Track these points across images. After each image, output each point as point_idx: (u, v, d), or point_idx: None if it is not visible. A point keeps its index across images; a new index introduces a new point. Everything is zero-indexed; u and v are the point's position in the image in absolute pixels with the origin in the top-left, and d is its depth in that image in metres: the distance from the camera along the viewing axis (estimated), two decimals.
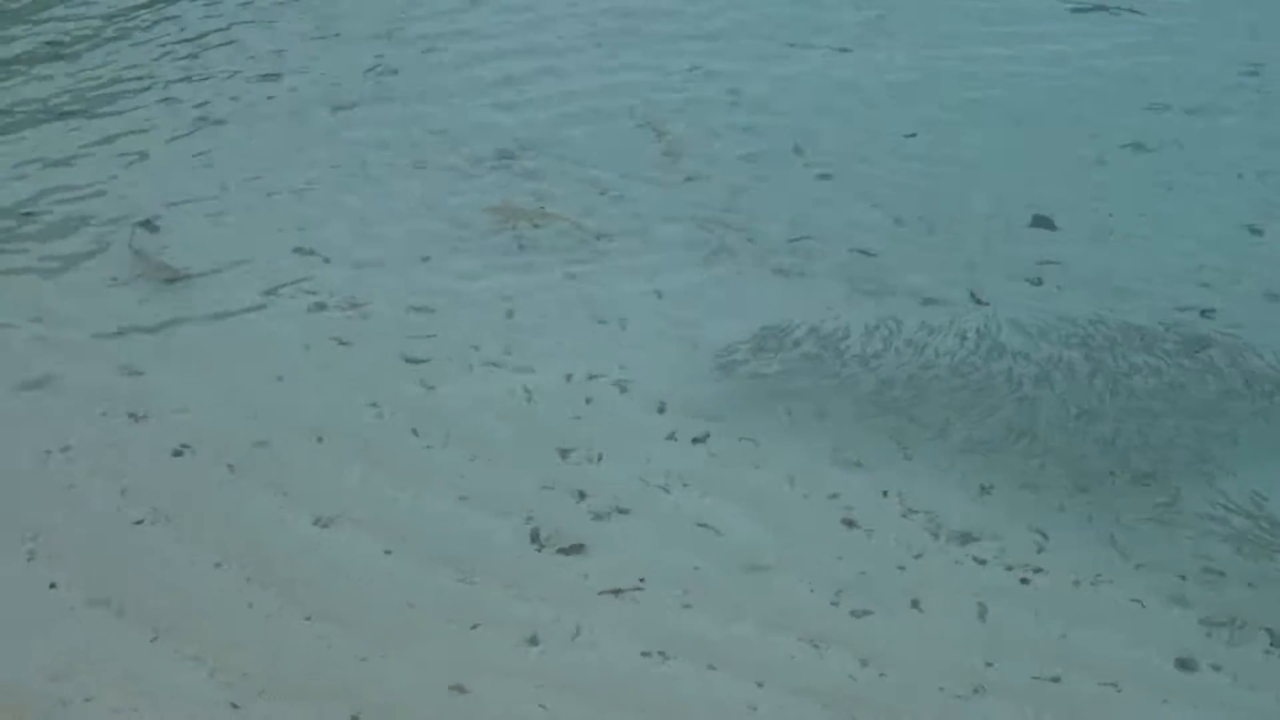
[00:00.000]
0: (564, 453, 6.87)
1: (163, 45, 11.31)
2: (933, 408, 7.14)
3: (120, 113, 10.20)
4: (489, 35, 11.57)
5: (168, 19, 11.76)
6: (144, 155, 9.65)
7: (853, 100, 10.49)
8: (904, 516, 6.49)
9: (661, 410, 7.19)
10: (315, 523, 6.40)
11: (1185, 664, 5.74)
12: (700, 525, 6.44)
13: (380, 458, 6.83)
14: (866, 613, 5.94)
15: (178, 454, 6.84)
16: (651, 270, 8.35)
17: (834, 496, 6.60)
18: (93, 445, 6.88)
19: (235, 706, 5.46)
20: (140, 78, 10.75)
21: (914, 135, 9.98)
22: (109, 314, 7.89)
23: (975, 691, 5.58)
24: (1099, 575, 6.17)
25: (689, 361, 7.53)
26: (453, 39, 11.47)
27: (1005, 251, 8.54)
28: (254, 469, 6.74)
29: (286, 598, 5.97)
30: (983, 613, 5.96)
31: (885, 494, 6.62)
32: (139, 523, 6.39)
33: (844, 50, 11.24)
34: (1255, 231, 8.74)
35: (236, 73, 10.88)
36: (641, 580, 6.09)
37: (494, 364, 7.52)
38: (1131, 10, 11.99)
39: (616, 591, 6.03)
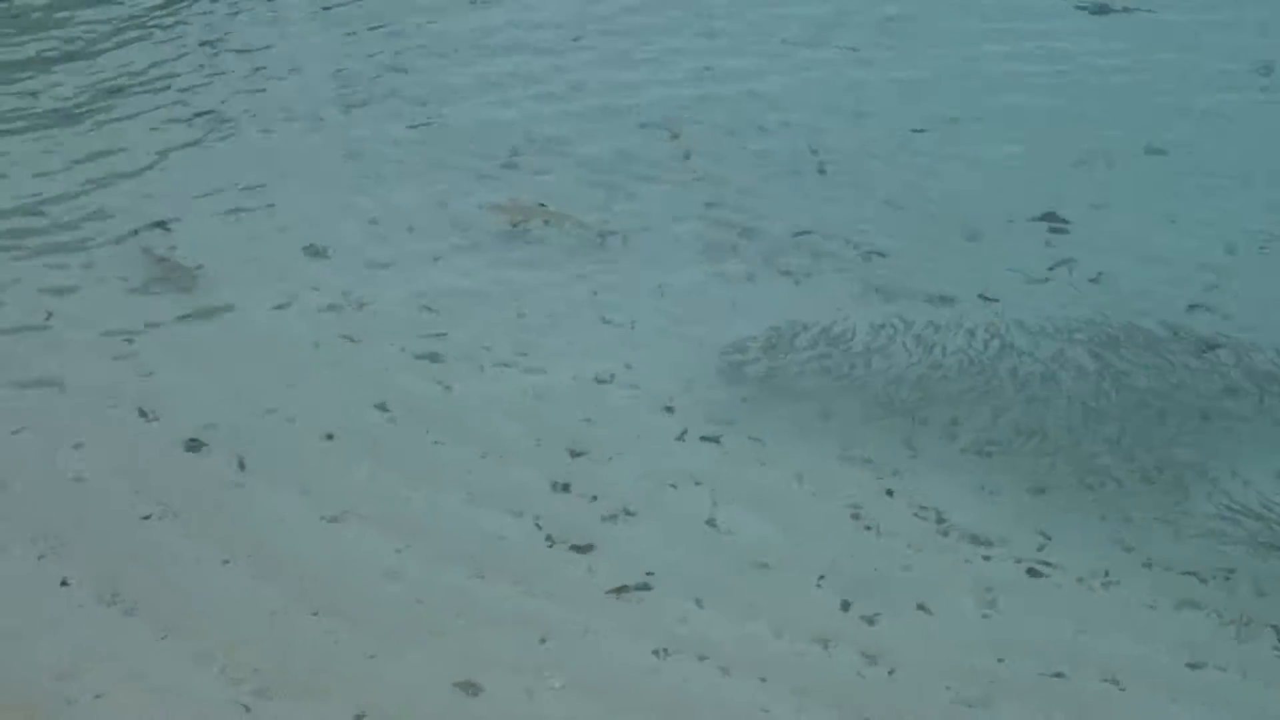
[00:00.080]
0: (574, 452, 6.88)
1: (176, 47, 11.34)
2: (940, 407, 7.14)
3: (132, 114, 10.23)
4: (499, 35, 11.57)
5: (181, 22, 11.79)
6: (155, 155, 9.67)
7: (861, 100, 10.48)
8: (912, 516, 6.49)
9: (670, 410, 7.19)
10: (324, 520, 6.42)
11: (1194, 663, 5.73)
12: (709, 525, 6.45)
13: (390, 456, 6.85)
14: (875, 612, 5.95)
15: (187, 452, 6.87)
16: (661, 270, 8.36)
17: (842, 496, 6.61)
18: (102, 442, 6.92)
19: (244, 704, 5.47)
20: (153, 79, 10.77)
21: (922, 130, 9.98)
22: (119, 312, 7.92)
23: (983, 691, 5.58)
24: (1107, 575, 6.16)
25: (698, 361, 7.53)
26: (463, 38, 11.48)
27: (1013, 251, 8.53)
28: (263, 467, 6.76)
29: (295, 595, 5.99)
30: (991, 612, 5.96)
31: (893, 493, 6.62)
32: (147, 518, 6.43)
33: (853, 50, 11.23)
34: (1264, 232, 8.70)
35: (247, 74, 10.91)
36: (649, 575, 6.11)
37: (504, 364, 7.54)
38: (1140, 10, 11.95)
39: (624, 590, 6.04)
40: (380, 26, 11.77)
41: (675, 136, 9.84)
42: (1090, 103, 10.40)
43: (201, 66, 11.01)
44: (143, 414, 7.11)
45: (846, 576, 6.13)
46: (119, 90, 10.60)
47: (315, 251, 8.54)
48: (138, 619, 5.86)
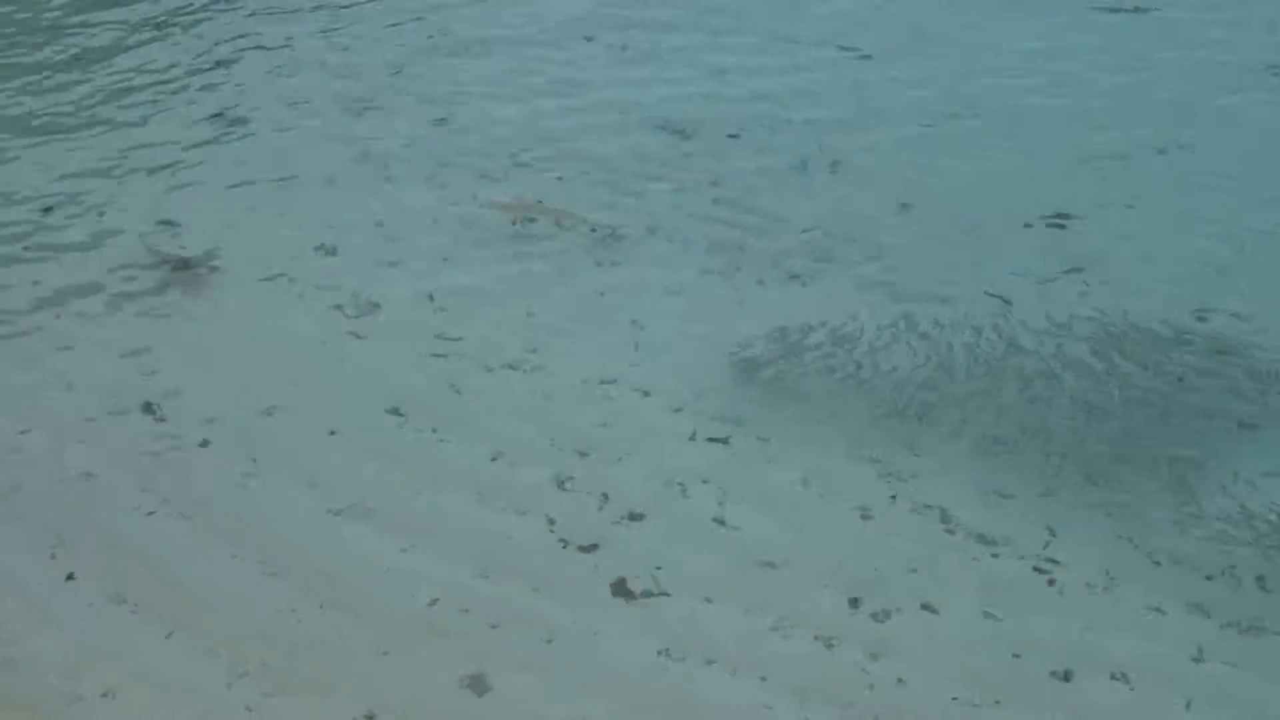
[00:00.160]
0: (582, 452, 6.89)
1: (187, 49, 11.39)
2: (947, 407, 7.14)
3: (144, 115, 10.29)
4: (507, 36, 11.59)
5: (193, 25, 11.84)
6: (165, 156, 9.73)
7: (869, 99, 10.46)
8: (918, 516, 6.48)
9: (679, 410, 7.19)
10: (332, 518, 6.44)
11: (1201, 663, 5.72)
12: (717, 525, 6.45)
13: (398, 455, 6.86)
14: (881, 612, 5.94)
15: (194, 448, 6.89)
16: (669, 270, 8.37)
17: (849, 496, 6.60)
18: (110, 440, 6.95)
19: (250, 702, 5.49)
20: (164, 81, 10.83)
21: (930, 129, 9.97)
22: (127, 310, 7.96)
23: (989, 691, 5.57)
24: (1115, 575, 6.14)
25: (706, 361, 7.54)
26: (472, 42, 11.50)
27: (1020, 250, 8.51)
28: (271, 464, 6.79)
29: (303, 592, 6.01)
30: (997, 612, 5.95)
31: (899, 493, 6.61)
32: (154, 515, 6.46)
33: (859, 49, 11.21)
34: (1272, 232, 8.67)
35: (259, 74, 10.97)
36: (659, 573, 6.11)
37: (512, 363, 7.54)
38: (1151, 9, 11.91)
39: (633, 591, 6.05)
40: (391, 27, 11.80)
41: (683, 138, 9.83)
42: (1099, 102, 10.37)
43: (214, 68, 11.06)
44: (150, 411, 7.14)
45: (852, 576, 6.13)
46: (131, 91, 10.65)
47: (325, 251, 8.56)
48: (145, 616, 5.88)
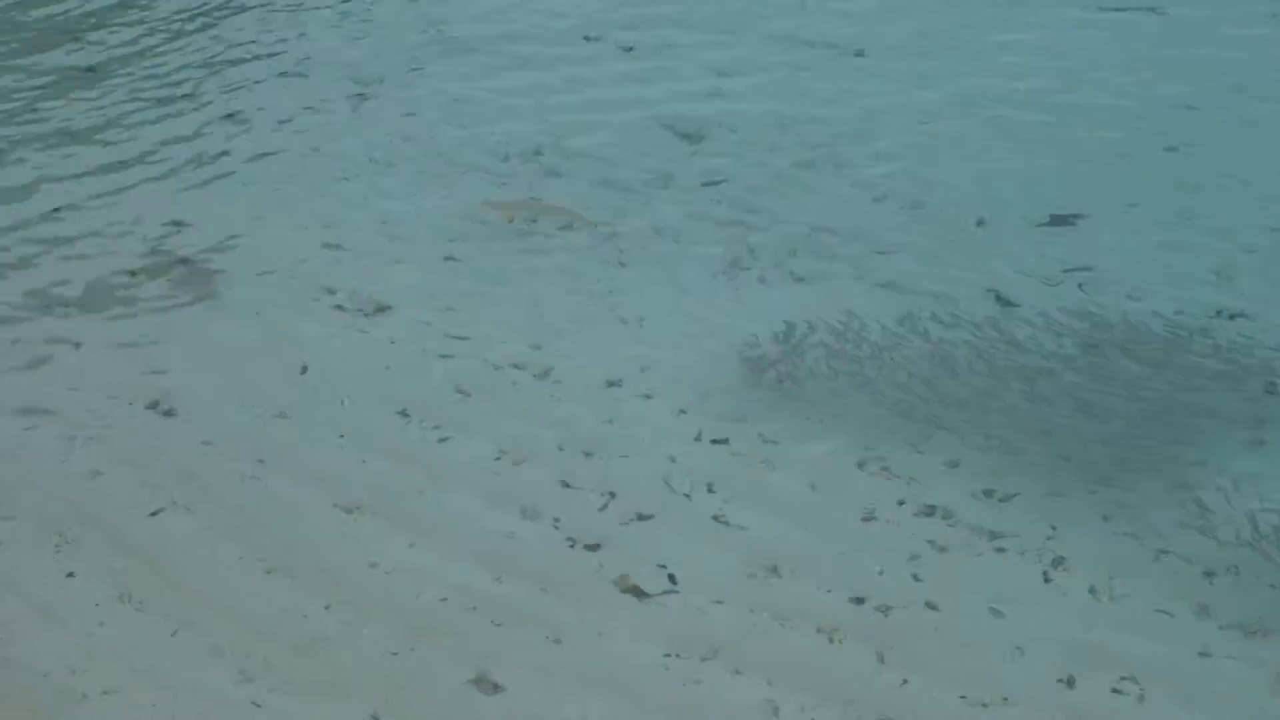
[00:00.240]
0: (588, 452, 6.90)
1: (199, 50, 11.39)
2: (949, 406, 7.14)
3: (154, 116, 10.27)
4: (513, 36, 11.58)
5: (206, 28, 11.83)
6: (174, 156, 9.72)
7: (872, 99, 10.44)
8: (922, 515, 6.48)
9: (684, 410, 7.20)
10: (338, 517, 6.44)
11: (1206, 662, 5.72)
12: (722, 525, 6.45)
13: (404, 454, 6.87)
14: (885, 611, 5.95)
15: (200, 447, 6.89)
16: (673, 270, 8.37)
17: (853, 495, 6.61)
18: (117, 438, 6.96)
19: (256, 701, 5.50)
20: (175, 83, 10.81)
21: (933, 126, 9.97)
22: (135, 309, 7.98)
23: (993, 690, 5.57)
24: (1118, 575, 6.15)
25: (710, 361, 7.54)
26: (478, 42, 11.48)
27: (1024, 250, 8.50)
28: (276, 463, 6.80)
29: (309, 591, 6.01)
30: (1001, 611, 5.96)
31: (903, 492, 6.62)
32: (160, 513, 6.47)
33: (862, 50, 11.20)
34: (1278, 233, 8.66)
35: (267, 76, 10.95)
36: (667, 577, 6.12)
37: (518, 363, 7.55)
38: (1160, 9, 11.88)
39: (639, 590, 6.05)
40: (399, 27, 11.80)
41: (689, 139, 9.84)
42: (1105, 100, 10.35)
43: (225, 69, 11.06)
44: (156, 409, 7.15)
45: (857, 575, 6.13)
46: (142, 92, 10.65)
47: (332, 251, 8.57)
48: (149, 614, 5.89)
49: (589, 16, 11.87)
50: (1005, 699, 5.54)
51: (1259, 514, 6.42)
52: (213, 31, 11.79)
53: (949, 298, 7.98)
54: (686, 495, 6.63)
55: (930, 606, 5.98)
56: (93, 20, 11.92)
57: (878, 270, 8.31)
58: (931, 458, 6.83)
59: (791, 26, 11.59)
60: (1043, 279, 8.18)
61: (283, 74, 11.00)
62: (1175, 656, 5.75)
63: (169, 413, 7.14)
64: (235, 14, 12.10)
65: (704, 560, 6.23)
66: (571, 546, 6.31)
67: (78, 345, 7.66)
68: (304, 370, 7.47)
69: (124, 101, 10.49)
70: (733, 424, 7.09)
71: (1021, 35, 11.35)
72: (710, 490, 6.65)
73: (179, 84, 10.81)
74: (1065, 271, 8.24)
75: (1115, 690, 5.59)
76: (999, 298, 8.00)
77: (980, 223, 8.79)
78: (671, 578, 6.11)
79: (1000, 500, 6.56)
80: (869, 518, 6.48)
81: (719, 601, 6.00)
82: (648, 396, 7.30)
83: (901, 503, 6.57)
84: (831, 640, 5.80)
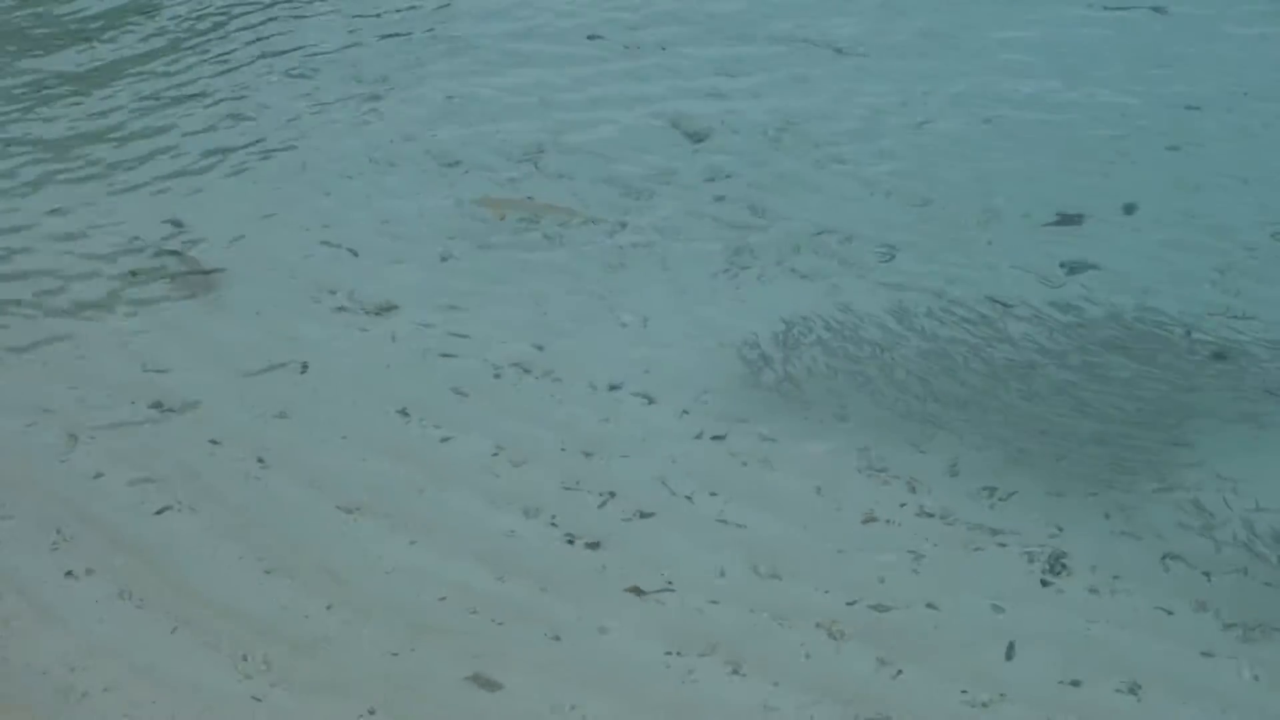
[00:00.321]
0: (588, 452, 6.90)
1: (204, 53, 11.39)
2: (950, 406, 7.13)
3: (157, 117, 10.30)
4: (514, 34, 11.59)
5: (213, 29, 11.85)
6: (177, 156, 9.73)
7: (874, 97, 10.42)
8: (922, 515, 6.48)
9: (685, 410, 7.19)
10: (339, 516, 6.45)
11: (1207, 663, 5.71)
12: (722, 525, 6.45)
13: (405, 453, 6.88)
14: (884, 611, 5.94)
15: (202, 446, 6.91)
16: (674, 269, 8.36)
17: (853, 495, 6.59)
18: (117, 437, 6.98)
19: (256, 698, 5.51)
20: (180, 84, 10.83)
21: (934, 125, 9.95)
22: (136, 310, 7.99)
23: (993, 690, 5.57)
24: (1119, 575, 6.13)
25: (712, 361, 7.54)
26: (480, 41, 11.50)
27: (1025, 249, 8.47)
28: (278, 463, 6.81)
29: (309, 589, 6.02)
30: (1001, 611, 5.95)
31: (903, 492, 6.61)
32: (161, 512, 6.48)
33: (864, 49, 11.20)
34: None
35: (272, 76, 10.97)
36: (668, 580, 6.12)
37: (518, 363, 7.55)
38: (1164, 8, 11.86)
39: (639, 589, 6.05)
40: (403, 27, 11.82)
41: (692, 139, 9.84)
42: (1107, 99, 10.31)
43: (224, 71, 11.06)
44: (157, 408, 7.17)
45: (858, 575, 6.13)
46: (146, 93, 10.67)
47: (333, 250, 8.58)
48: (150, 612, 5.90)
49: (593, 15, 11.87)
50: (1005, 697, 5.54)
51: (1259, 514, 6.41)
52: (220, 32, 11.81)
53: (949, 297, 7.97)
54: (687, 494, 6.63)
55: (930, 605, 5.97)
56: (100, 21, 11.95)
57: (878, 269, 8.31)
58: (931, 457, 6.82)
59: (794, 26, 11.57)
60: (1043, 278, 8.17)
61: (289, 74, 11.03)
62: (1176, 655, 5.74)
63: (171, 412, 7.15)
64: (243, 14, 12.12)
65: (704, 559, 6.23)
66: (573, 544, 6.31)
67: (78, 344, 7.68)
68: (305, 369, 7.50)
69: (126, 102, 10.53)
70: (732, 423, 7.08)
71: (1022, 33, 11.30)
72: (711, 489, 6.65)
73: (185, 84, 10.83)
74: (1065, 271, 8.24)
75: (1118, 690, 5.58)
76: (1002, 298, 7.99)
77: (981, 222, 8.78)
78: (671, 577, 6.11)
79: (1000, 499, 6.55)
80: (869, 517, 6.48)
81: (718, 601, 6.01)
82: (648, 396, 7.30)
83: (902, 501, 6.57)
84: (831, 639, 5.80)
